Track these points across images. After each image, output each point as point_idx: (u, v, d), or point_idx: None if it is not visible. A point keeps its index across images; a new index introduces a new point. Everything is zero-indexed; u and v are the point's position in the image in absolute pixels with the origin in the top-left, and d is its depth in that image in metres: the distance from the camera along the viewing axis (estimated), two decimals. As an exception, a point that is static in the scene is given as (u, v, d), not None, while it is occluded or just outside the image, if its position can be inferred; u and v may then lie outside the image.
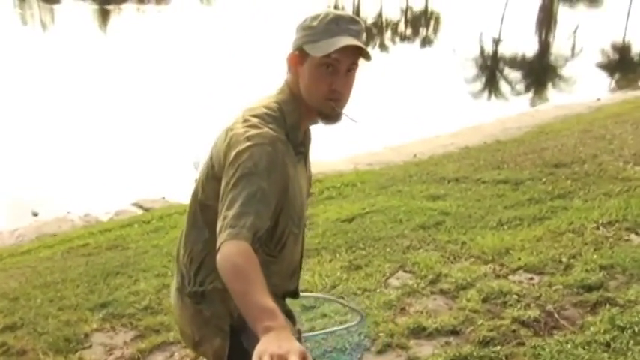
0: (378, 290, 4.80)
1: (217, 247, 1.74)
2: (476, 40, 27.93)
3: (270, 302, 1.60)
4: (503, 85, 21.47)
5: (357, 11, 40.32)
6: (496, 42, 28.76)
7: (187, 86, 17.16)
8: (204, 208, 2.09)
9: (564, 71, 22.68)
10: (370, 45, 30.74)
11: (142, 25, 30.59)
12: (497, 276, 4.81)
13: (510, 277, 4.78)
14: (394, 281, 4.98)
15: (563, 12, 38.65)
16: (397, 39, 32.33)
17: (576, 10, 40.16)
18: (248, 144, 1.88)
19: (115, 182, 10.71)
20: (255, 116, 1.99)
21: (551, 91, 20.14)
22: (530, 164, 8.28)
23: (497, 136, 11.66)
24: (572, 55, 25.85)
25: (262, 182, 1.82)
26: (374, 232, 6.23)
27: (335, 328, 3.64)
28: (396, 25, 36.61)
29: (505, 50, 26.90)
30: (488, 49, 27.71)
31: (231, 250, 1.71)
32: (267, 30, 26.23)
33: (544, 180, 7.41)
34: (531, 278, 4.71)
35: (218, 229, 1.77)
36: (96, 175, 11.06)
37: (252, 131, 1.92)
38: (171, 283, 2.29)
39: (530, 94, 20.06)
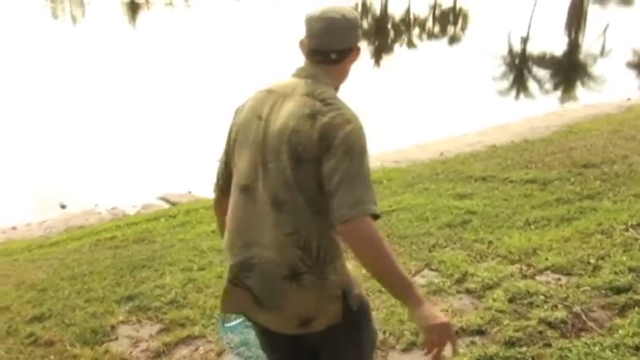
0: (404, 288, 4.78)
1: (345, 219, 2.06)
2: (504, 38, 27.71)
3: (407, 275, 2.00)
4: (532, 84, 21.25)
5: (384, 8, 40.25)
6: (524, 40, 28.49)
7: (215, 80, 17.23)
8: (302, 193, 2.20)
9: (594, 70, 22.43)
10: (398, 42, 30.71)
11: (171, 19, 30.82)
12: (524, 276, 4.76)
13: (537, 277, 4.73)
14: (420, 279, 4.95)
15: (593, 10, 38.17)
16: (425, 36, 32.15)
17: (607, 9, 39.66)
18: (352, 127, 2.17)
19: (142, 176, 10.81)
20: (334, 98, 2.26)
21: (580, 90, 19.90)
22: (559, 164, 8.19)
23: (525, 135, 11.55)
24: (602, 54, 25.53)
25: (368, 160, 2.17)
26: (400, 230, 6.21)
27: None
28: (423, 23, 36.45)
29: (533, 48, 26.64)
30: (517, 47, 27.47)
31: (371, 227, 2.09)
32: (295, 25, 26.34)
33: (572, 180, 7.33)
34: (559, 279, 4.66)
35: (340, 203, 2.07)
36: (123, 168, 11.16)
37: (347, 113, 2.22)
38: (253, 281, 2.34)
39: (558, 93, 19.84)
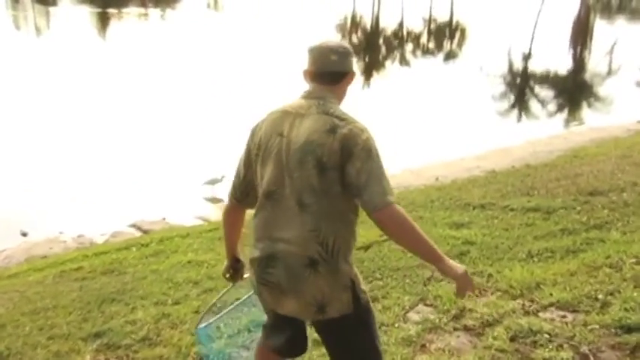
0: (397, 325, 4.77)
1: (380, 207, 2.76)
2: (504, 55, 27.97)
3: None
4: (534, 105, 21.48)
5: (376, 22, 40.56)
6: (526, 57, 28.78)
7: (189, 101, 17.41)
8: (326, 196, 2.88)
9: (601, 90, 22.65)
10: (390, 59, 30.89)
11: (143, 31, 30.90)
12: (527, 313, 4.73)
13: (541, 314, 4.70)
14: (414, 315, 4.94)
15: (600, 26, 38.66)
16: (419, 52, 32.42)
17: (615, 24, 40.15)
18: (367, 135, 2.90)
19: (112, 201, 10.75)
20: (345, 114, 2.97)
21: (586, 112, 20.09)
22: (563, 191, 8.24)
23: (527, 160, 11.65)
24: (610, 72, 25.79)
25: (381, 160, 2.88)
26: (392, 262, 6.20)
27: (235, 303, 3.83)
28: (417, 38, 36.77)
29: (536, 66, 26.92)
30: (518, 64, 27.75)
31: (401, 210, 2.80)
32: (271, 41, 26.28)
33: (578, 209, 7.37)
34: (564, 316, 4.62)
35: (371, 196, 2.78)
36: (91, 192, 11.10)
37: (360, 124, 2.93)
38: (277, 272, 2.97)
39: (563, 115, 20.02)
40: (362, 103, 16.75)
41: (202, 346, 3.87)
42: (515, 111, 20.30)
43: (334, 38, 2.86)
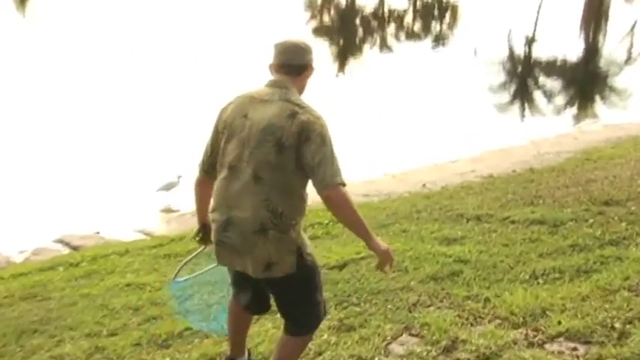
0: (377, 359, 4.77)
1: (329, 186, 3.79)
2: (503, 39, 28.04)
3: None
4: (539, 98, 21.63)
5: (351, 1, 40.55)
6: (529, 42, 28.86)
7: (129, 96, 17.42)
8: (280, 171, 3.88)
9: (617, 81, 22.71)
10: (368, 43, 30.90)
11: (77, 15, 30.32)
12: (531, 344, 4.74)
13: (547, 345, 4.71)
14: (397, 347, 4.94)
15: (616, 5, 38.90)
16: (402, 35, 32.46)
17: (634, 4, 40.38)
18: (322, 122, 3.91)
19: (34, 211, 10.64)
20: (304, 102, 4.00)
21: (600, 107, 20.16)
22: (573, 200, 8.30)
23: (531, 163, 11.74)
24: (628, 60, 25.94)
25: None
26: (371, 284, 6.23)
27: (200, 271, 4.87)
28: (401, 18, 36.74)
29: (541, 53, 26.96)
30: (519, 50, 27.81)
31: (347, 193, 3.85)
32: (232, 26, 26.65)
33: (591, 221, 7.42)
34: (575, 348, 4.62)
35: (323, 176, 3.79)
36: (7, 201, 10.98)
37: (316, 113, 3.95)
38: (232, 235, 3.98)
39: (572, 110, 20.13)
40: (335, 95, 16.78)
41: (175, 301, 4.89)
42: (517, 105, 20.40)
43: (298, 37, 4.05)
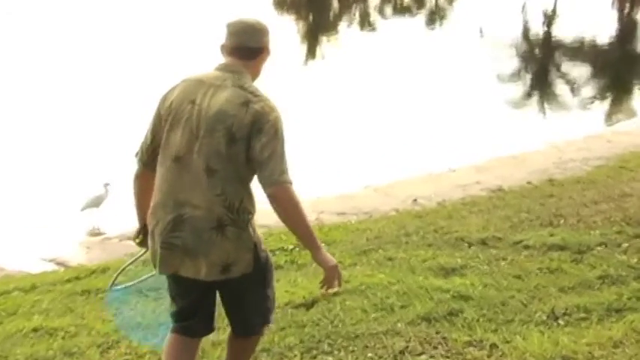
0: None
1: (276, 184, 4.14)
2: (516, 15, 28.05)
3: None
4: (561, 89, 21.66)
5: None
6: (549, 18, 28.95)
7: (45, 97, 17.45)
8: (232, 163, 4.21)
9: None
10: (346, 20, 30.91)
11: None
12: (550, 404, 4.75)
13: (571, 404, 4.72)
14: (380, 409, 4.92)
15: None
16: (388, 10, 32.51)
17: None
18: (276, 114, 4.25)
19: None
20: (259, 91, 4.32)
21: (638, 102, 20.14)
22: (603, 220, 8.27)
23: (550, 173, 11.76)
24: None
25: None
26: (347, 326, 6.17)
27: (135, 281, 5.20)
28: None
29: (564, 31, 26.97)
30: (537, 29, 27.86)
31: (295, 192, 4.17)
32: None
33: (625, 246, 7.39)
34: (605, 408, 4.65)
35: (271, 172, 4.14)
36: None
37: (271, 103, 4.28)
38: (184, 235, 4.28)
39: (604, 105, 20.22)
40: (303, 86, 16.61)
41: (113, 309, 5.34)
42: (534, 99, 20.46)
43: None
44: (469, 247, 8.05)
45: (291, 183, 4.20)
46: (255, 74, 4.50)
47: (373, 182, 12.22)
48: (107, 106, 16.18)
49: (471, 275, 7.16)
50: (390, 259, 7.90)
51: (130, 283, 5.11)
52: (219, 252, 4.27)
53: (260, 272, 4.49)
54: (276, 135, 4.19)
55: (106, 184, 11.21)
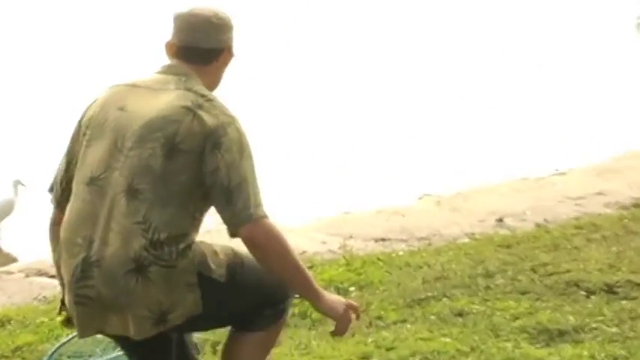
0: None
1: (254, 220, 3.50)
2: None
3: None
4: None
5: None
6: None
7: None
8: (166, 183, 3.55)
9: None
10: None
11: None
12: None
13: None
14: None
15: None
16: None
17: None
18: (237, 125, 3.69)
19: None
20: (213, 95, 3.81)
21: None
22: None
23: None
24: None
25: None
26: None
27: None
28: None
29: None
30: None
31: (276, 226, 3.62)
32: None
33: None
34: None
35: (244, 206, 3.51)
36: None
37: (229, 111, 3.78)
38: (96, 284, 3.60)
39: None
40: (284, 84, 15.94)
41: None
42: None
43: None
44: (587, 296, 6.86)
45: (266, 216, 3.50)
46: (212, 83, 3.81)
47: (432, 190, 10.67)
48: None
49: (591, 342, 6.01)
50: (459, 313, 6.69)
51: None
52: (145, 301, 3.50)
53: (223, 294, 3.67)
54: (242, 153, 3.52)
55: (17, 182, 10.74)
